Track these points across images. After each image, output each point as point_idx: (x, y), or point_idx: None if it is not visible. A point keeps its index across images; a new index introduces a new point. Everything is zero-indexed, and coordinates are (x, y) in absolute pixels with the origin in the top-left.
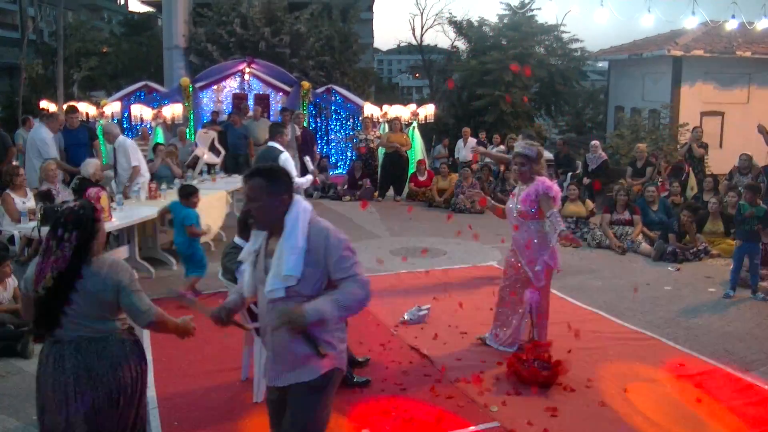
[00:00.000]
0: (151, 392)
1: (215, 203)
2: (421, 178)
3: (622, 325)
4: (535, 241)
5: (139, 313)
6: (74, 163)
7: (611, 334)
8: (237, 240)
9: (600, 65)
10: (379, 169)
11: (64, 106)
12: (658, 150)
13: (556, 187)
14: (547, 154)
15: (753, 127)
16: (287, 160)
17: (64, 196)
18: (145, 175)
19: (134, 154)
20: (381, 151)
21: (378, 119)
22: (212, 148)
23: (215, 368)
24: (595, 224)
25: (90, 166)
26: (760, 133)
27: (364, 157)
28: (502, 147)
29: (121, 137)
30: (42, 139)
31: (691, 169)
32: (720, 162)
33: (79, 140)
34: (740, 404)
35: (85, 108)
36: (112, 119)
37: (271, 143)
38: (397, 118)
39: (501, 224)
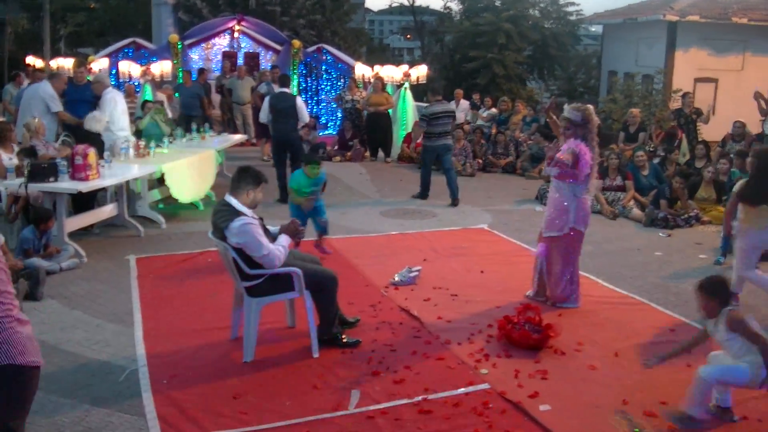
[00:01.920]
0: (140, 350)
1: (204, 162)
2: (418, 140)
3: (612, 290)
4: (556, 195)
5: None
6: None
7: (602, 298)
8: (227, 198)
9: (593, 29)
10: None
11: (70, 61)
12: (651, 115)
13: (584, 150)
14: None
15: (747, 95)
16: (302, 103)
17: (50, 151)
18: (118, 133)
19: (106, 108)
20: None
21: (369, 79)
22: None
23: (204, 327)
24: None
25: (98, 122)
26: (756, 100)
27: (352, 117)
28: (493, 110)
29: (109, 89)
30: (51, 95)
31: (684, 135)
32: (713, 129)
33: (84, 96)
34: None
35: (71, 64)
36: None
37: (284, 89)
38: (378, 78)
39: (491, 187)
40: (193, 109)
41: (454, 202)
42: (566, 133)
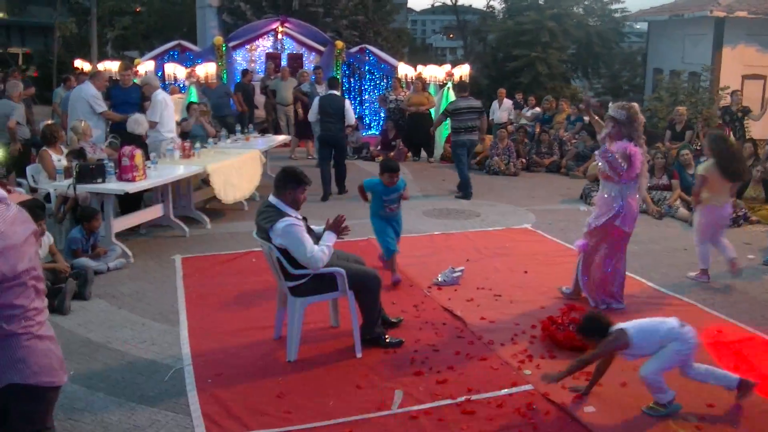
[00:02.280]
0: (185, 349)
1: (249, 163)
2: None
3: (658, 290)
4: (605, 196)
5: None
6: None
7: (647, 299)
8: (271, 199)
9: (638, 26)
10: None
11: (111, 65)
12: (697, 113)
13: (634, 150)
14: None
15: None
16: (350, 105)
17: (98, 153)
18: (165, 135)
19: (157, 109)
20: None
21: (412, 79)
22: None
23: (248, 326)
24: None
25: (140, 125)
26: None
27: (395, 117)
28: (537, 109)
29: (159, 91)
30: (94, 95)
31: (731, 132)
32: (761, 127)
33: (130, 98)
34: None
35: (117, 67)
36: None
37: (333, 91)
38: (419, 78)
39: (535, 186)
40: (223, 109)
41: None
42: (612, 132)
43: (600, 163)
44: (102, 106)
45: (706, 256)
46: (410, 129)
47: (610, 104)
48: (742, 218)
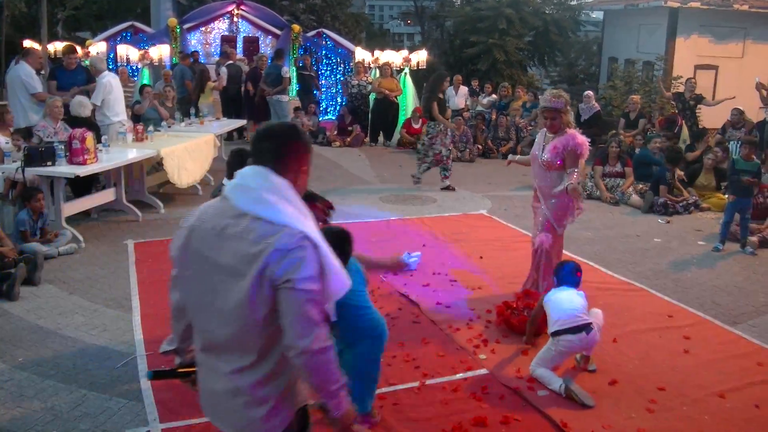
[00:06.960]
0: (138, 335)
1: (203, 146)
2: (416, 126)
3: (611, 276)
4: (557, 189)
5: None
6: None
7: (601, 284)
8: (225, 182)
9: (594, 15)
10: (369, 115)
11: (61, 46)
12: (651, 102)
13: (586, 146)
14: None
15: (747, 82)
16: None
17: (61, 135)
18: (112, 119)
19: (99, 93)
20: (372, 96)
21: (369, 64)
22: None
23: None
24: (586, 175)
25: (84, 107)
26: (758, 90)
27: (354, 102)
28: (493, 96)
29: (105, 73)
30: (28, 74)
31: (683, 121)
32: (713, 116)
33: (76, 82)
34: (726, 356)
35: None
36: None
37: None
38: (387, 64)
39: (491, 173)
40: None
41: None
42: (553, 123)
43: (547, 156)
44: (35, 87)
45: None
46: (377, 113)
47: (546, 93)
48: (693, 206)
